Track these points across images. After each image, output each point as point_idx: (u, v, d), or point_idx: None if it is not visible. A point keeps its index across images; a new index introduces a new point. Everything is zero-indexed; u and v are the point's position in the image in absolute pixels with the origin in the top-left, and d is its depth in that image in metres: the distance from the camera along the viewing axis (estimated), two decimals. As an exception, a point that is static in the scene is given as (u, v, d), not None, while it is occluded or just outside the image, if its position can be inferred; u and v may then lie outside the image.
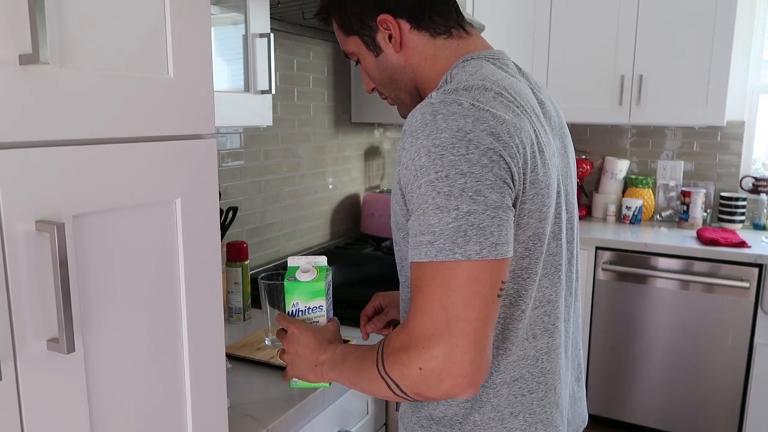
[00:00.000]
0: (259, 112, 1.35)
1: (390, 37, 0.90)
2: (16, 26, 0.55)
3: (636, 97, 2.65)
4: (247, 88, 1.32)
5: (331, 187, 2.29)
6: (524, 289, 0.81)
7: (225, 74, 1.32)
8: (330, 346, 0.90)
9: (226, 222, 1.58)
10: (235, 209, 1.60)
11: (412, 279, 0.74)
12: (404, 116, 0.98)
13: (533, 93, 0.89)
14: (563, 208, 0.87)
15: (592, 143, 3.12)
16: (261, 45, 1.32)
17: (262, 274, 1.30)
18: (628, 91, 2.67)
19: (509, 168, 0.73)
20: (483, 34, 2.23)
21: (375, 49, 0.92)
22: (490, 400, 0.83)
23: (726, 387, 2.40)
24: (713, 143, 2.88)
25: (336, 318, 0.99)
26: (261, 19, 1.32)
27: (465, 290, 0.70)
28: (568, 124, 3.11)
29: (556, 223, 0.85)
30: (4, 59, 0.54)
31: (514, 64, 0.92)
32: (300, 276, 0.94)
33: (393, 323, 1.13)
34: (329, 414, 1.21)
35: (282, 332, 0.97)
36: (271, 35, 1.32)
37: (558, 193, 0.85)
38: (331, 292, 0.98)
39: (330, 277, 0.98)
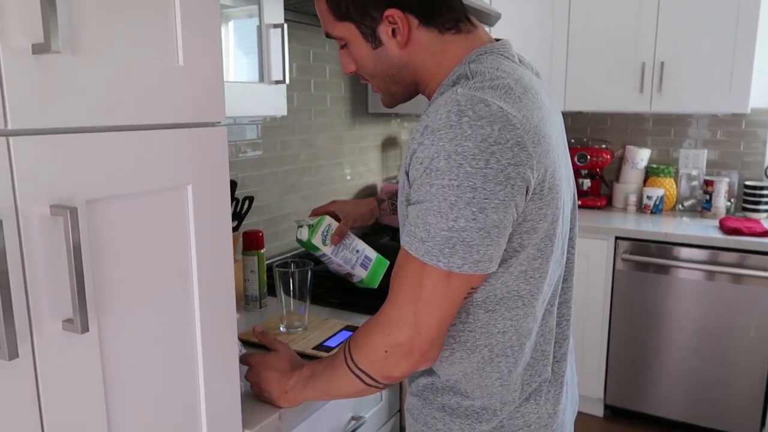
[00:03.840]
0: (273, 102, 1.36)
1: (394, 31, 0.83)
2: (28, 16, 0.57)
3: (657, 85, 2.61)
4: (261, 79, 1.33)
5: (348, 177, 2.30)
6: (536, 288, 0.82)
7: (240, 65, 1.33)
8: (294, 370, 0.94)
9: (243, 211, 1.61)
10: (251, 199, 1.62)
11: (398, 261, 0.78)
12: (389, 106, 0.95)
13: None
14: (576, 208, 0.90)
15: (613, 132, 3.08)
16: (275, 35, 1.33)
17: (277, 262, 1.32)
18: (649, 78, 2.62)
19: (527, 180, 0.72)
20: (500, 22, 2.23)
21: (374, 41, 0.85)
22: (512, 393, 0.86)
23: (749, 379, 2.36)
24: (738, 131, 2.82)
25: (285, 345, 1.02)
26: (275, 10, 1.33)
27: (436, 293, 0.75)
28: (588, 113, 3.08)
29: (572, 228, 0.88)
30: (18, 49, 0.56)
31: (517, 54, 0.88)
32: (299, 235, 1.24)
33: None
34: (343, 400, 1.23)
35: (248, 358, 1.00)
36: (285, 25, 1.33)
37: (569, 192, 0.87)
38: (347, 240, 1.24)
39: (328, 228, 1.23)
